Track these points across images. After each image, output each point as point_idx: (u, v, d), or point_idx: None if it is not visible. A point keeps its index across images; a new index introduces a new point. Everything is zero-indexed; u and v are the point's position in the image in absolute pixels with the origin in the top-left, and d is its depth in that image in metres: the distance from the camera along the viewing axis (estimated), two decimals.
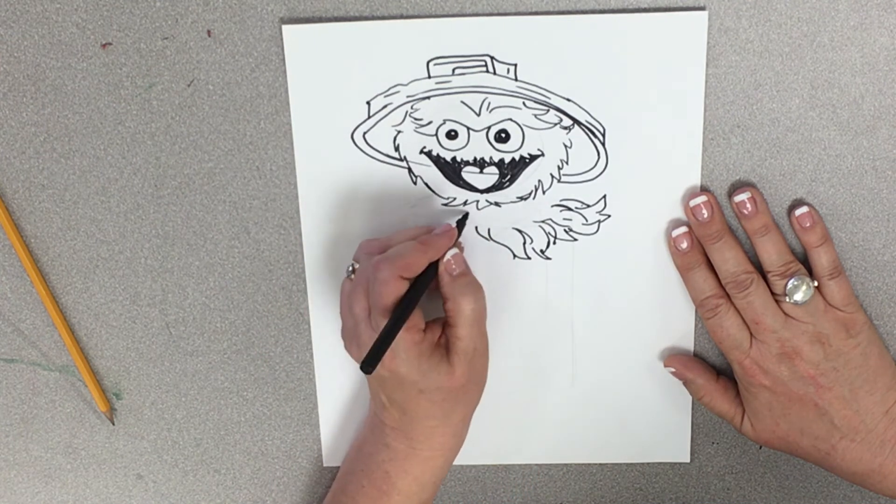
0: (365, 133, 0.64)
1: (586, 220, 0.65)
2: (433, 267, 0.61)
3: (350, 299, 0.62)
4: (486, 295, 0.62)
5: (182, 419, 0.72)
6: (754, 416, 0.65)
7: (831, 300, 0.62)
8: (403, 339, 0.59)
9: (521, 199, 0.65)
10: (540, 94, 0.62)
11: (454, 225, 0.63)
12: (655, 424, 0.70)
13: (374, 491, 0.65)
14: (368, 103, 0.63)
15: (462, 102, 0.63)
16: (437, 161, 0.64)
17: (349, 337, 0.63)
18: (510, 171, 0.64)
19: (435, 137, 0.64)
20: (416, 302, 0.59)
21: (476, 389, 0.64)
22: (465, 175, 0.65)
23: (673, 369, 0.67)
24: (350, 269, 0.63)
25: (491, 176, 0.64)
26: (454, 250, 0.62)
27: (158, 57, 0.64)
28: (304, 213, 0.66)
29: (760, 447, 0.70)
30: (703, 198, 0.63)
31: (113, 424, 0.72)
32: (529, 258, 0.66)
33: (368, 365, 0.56)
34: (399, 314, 0.58)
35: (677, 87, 0.62)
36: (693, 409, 0.69)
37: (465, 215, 0.65)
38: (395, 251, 0.60)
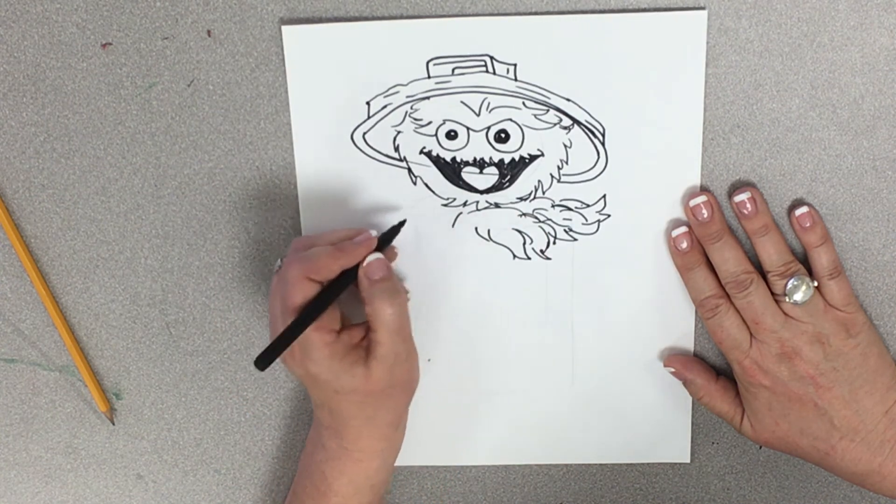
0: (365, 133, 0.64)
1: (586, 220, 0.65)
2: (353, 271, 0.61)
3: (272, 295, 0.62)
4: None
5: (182, 419, 0.72)
6: (754, 416, 0.65)
7: (831, 300, 0.62)
8: (315, 339, 0.59)
9: (521, 199, 0.65)
10: (540, 94, 0.62)
11: (377, 235, 0.62)
12: (655, 424, 0.70)
13: (314, 491, 0.65)
14: (368, 103, 0.63)
15: (462, 102, 0.63)
16: (437, 161, 0.64)
17: (272, 333, 0.62)
18: (510, 171, 0.64)
19: (435, 137, 0.64)
20: (327, 304, 0.59)
21: (401, 395, 0.63)
22: (464, 175, 0.64)
23: (673, 369, 0.67)
24: (279, 264, 0.62)
25: (491, 176, 0.64)
26: (376, 255, 0.61)
27: (158, 57, 0.64)
28: (304, 212, 0.66)
29: (760, 447, 0.70)
30: (702, 198, 0.63)
31: (113, 424, 0.72)
32: (529, 258, 0.66)
33: (261, 361, 0.56)
34: (305, 315, 0.58)
35: (677, 87, 0.62)
36: (693, 409, 0.69)
37: (402, 222, 0.64)
38: (308, 253, 0.60)
